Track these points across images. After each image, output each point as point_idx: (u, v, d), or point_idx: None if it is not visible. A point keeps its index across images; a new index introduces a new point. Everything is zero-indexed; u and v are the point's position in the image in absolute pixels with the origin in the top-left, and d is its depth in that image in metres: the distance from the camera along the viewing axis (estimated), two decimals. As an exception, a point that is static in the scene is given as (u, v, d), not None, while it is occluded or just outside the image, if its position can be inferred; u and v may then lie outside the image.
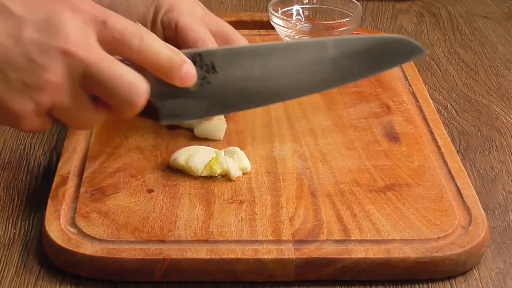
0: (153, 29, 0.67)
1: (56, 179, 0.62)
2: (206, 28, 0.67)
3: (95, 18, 0.54)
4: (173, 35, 0.67)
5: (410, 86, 0.78)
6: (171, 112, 0.62)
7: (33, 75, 0.53)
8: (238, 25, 0.81)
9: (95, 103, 0.56)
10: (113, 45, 0.55)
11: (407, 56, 0.67)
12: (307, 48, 0.64)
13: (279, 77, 0.64)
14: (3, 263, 0.57)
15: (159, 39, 0.57)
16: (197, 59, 0.60)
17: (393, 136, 0.69)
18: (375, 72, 0.70)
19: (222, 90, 0.62)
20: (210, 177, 0.62)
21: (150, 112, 0.60)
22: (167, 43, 0.66)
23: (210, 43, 0.66)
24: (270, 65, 0.63)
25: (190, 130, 0.68)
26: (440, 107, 0.79)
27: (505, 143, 0.73)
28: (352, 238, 0.56)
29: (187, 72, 0.58)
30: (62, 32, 0.53)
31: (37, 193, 0.64)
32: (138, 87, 0.55)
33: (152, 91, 0.57)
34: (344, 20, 0.85)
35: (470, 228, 0.58)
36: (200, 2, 0.70)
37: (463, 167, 0.65)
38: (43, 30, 0.53)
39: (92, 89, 0.55)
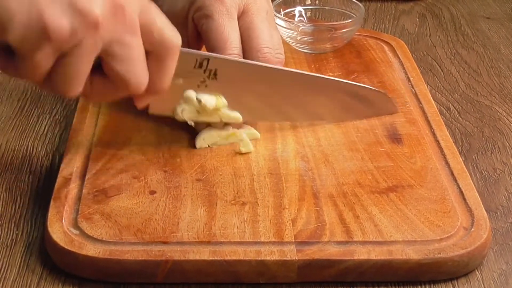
0: (186, 24, 0.67)
1: (59, 181, 0.62)
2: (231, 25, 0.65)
3: None
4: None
5: (412, 87, 0.78)
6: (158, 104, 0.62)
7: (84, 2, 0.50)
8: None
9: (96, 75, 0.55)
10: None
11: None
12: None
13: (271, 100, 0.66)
14: (6, 264, 0.57)
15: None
16: (204, 62, 0.61)
17: (395, 138, 0.69)
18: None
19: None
20: (215, 174, 0.63)
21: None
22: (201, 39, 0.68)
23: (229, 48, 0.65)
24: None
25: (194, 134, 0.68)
26: (443, 108, 0.79)
27: (508, 144, 0.73)
28: (354, 239, 0.56)
29: None
30: None
31: (39, 194, 0.64)
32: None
33: None
34: (347, 21, 0.85)
35: (472, 229, 0.58)
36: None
37: (465, 169, 0.65)
38: None
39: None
